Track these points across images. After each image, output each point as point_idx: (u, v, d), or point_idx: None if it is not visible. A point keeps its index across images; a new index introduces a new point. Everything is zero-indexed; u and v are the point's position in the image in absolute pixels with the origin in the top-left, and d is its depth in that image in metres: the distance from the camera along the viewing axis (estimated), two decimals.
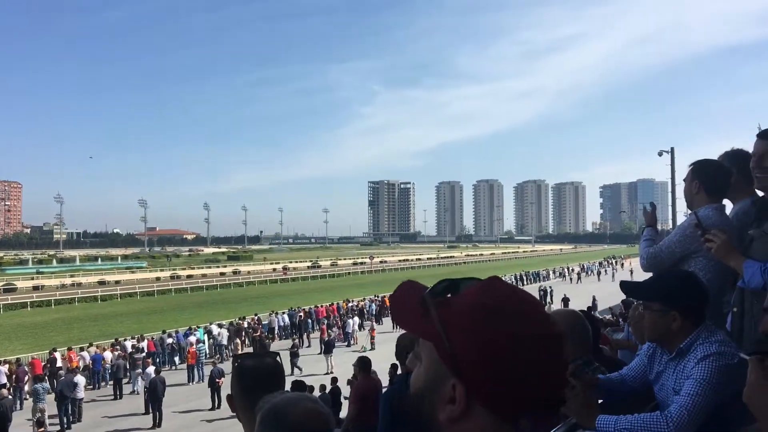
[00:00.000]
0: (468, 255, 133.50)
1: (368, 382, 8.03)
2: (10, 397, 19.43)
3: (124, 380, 24.43)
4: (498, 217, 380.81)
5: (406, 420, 0.91)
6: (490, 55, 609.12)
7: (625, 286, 2.61)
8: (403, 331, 3.82)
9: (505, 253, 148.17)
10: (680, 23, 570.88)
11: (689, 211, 3.19)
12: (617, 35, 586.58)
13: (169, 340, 28.85)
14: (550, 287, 50.41)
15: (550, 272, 73.55)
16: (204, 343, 27.56)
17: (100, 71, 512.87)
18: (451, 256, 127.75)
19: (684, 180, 3.16)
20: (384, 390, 6.73)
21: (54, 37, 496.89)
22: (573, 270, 74.32)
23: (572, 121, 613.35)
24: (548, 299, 46.55)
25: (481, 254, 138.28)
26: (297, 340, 26.62)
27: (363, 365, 8.69)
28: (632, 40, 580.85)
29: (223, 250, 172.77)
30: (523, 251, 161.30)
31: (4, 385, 22.34)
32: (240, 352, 29.33)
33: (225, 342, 29.75)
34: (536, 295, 47.82)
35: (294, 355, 25.46)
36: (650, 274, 2.77)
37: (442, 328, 0.89)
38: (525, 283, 65.79)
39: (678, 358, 2.31)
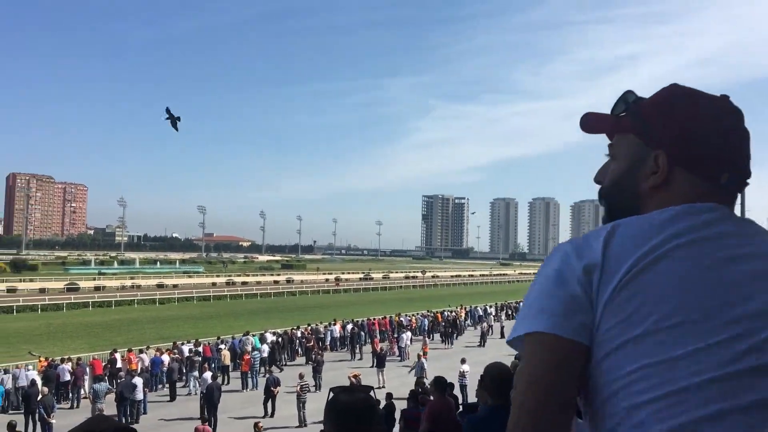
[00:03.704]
0: (521, 273, 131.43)
1: (443, 403, 7.95)
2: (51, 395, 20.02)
3: (179, 383, 24.97)
4: (553, 236, 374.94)
5: None
6: (547, 73, 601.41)
7: None
8: (491, 361, 3.76)
9: None
10: (743, 45, 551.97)
11: None
12: (678, 56, 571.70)
13: (223, 346, 29.19)
14: None
15: None
16: (258, 350, 27.82)
17: (163, 79, 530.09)
18: (504, 274, 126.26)
19: None
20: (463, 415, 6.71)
21: (120, 46, 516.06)
22: None
23: None
24: None
25: (535, 272, 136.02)
26: (319, 356, 26.80)
27: (439, 385, 8.55)
28: (693, 61, 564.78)
29: (277, 258, 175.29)
30: None
31: (68, 383, 23.16)
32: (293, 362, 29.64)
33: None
34: None
35: (316, 371, 25.37)
36: None
37: (639, 118, 1.12)
38: None
39: None
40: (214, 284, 76.29)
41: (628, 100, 1.16)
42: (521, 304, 1.14)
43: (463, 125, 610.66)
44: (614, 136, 1.19)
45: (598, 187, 1.22)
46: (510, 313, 51.01)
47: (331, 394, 2.21)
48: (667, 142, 1.08)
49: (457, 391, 19.07)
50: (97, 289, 66.94)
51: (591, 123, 1.21)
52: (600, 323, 0.99)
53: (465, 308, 46.55)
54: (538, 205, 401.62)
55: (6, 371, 23.21)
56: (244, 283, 79.62)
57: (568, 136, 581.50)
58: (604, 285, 0.99)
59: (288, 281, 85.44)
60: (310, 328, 34.54)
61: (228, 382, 25.71)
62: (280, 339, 31.39)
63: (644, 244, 1.00)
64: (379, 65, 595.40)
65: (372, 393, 2.29)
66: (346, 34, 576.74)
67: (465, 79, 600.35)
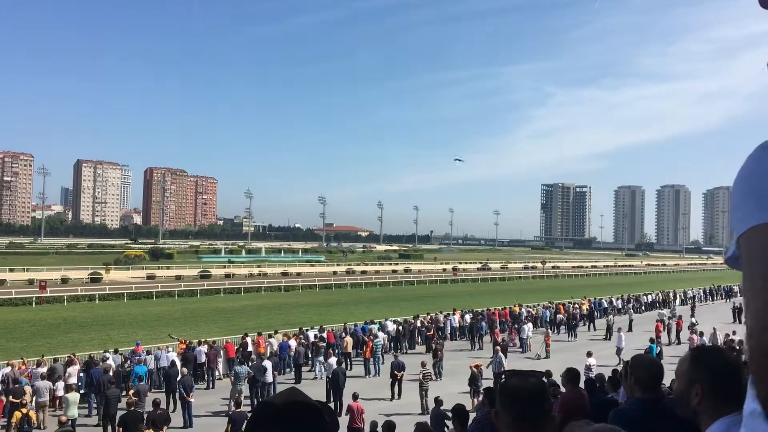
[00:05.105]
0: (649, 264, 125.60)
1: (575, 395, 7.73)
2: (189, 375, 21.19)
3: (305, 368, 25.84)
4: (684, 226, 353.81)
5: None
6: (675, 54, 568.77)
7: None
8: (637, 353, 3.57)
9: (691, 264, 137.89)
10: None
11: None
12: None
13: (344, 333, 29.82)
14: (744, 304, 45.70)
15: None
16: (380, 337, 28.26)
17: (286, 73, 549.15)
18: (629, 265, 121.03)
19: None
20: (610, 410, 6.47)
21: (243, 40, 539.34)
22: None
23: None
24: (743, 318, 42.42)
25: (664, 264, 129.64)
26: (439, 345, 27.01)
27: (571, 377, 8.30)
28: None
29: (395, 248, 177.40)
30: (713, 264, 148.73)
31: (203, 364, 24.52)
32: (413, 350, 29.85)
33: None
34: (729, 313, 43.90)
35: (436, 359, 25.47)
36: None
37: None
38: (715, 298, 60.58)
39: None
40: (335, 273, 78.48)
41: None
42: (732, 197, 1.02)
43: (582, 111, 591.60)
44: None
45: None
46: (638, 306, 48.77)
47: (503, 379, 2.22)
48: None
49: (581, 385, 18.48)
50: (227, 276, 70.69)
51: None
52: None
53: (589, 300, 44.98)
54: (667, 192, 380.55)
55: (149, 352, 24.81)
56: (363, 272, 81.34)
57: (697, 120, 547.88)
58: None
59: (406, 270, 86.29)
60: (429, 317, 34.68)
61: (350, 368, 26.28)
62: (400, 327, 31.75)
63: None
64: (495, 53, 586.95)
65: (543, 379, 2.29)
66: (457, 23, 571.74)
67: (584, 65, 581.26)
